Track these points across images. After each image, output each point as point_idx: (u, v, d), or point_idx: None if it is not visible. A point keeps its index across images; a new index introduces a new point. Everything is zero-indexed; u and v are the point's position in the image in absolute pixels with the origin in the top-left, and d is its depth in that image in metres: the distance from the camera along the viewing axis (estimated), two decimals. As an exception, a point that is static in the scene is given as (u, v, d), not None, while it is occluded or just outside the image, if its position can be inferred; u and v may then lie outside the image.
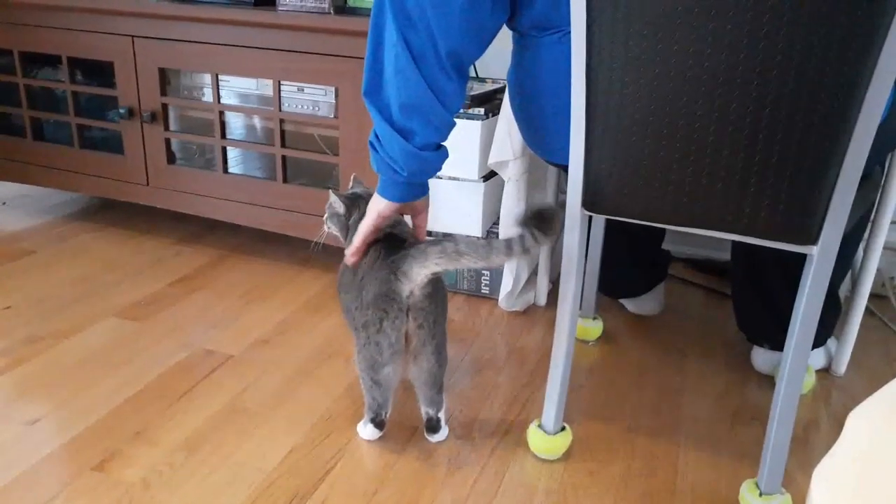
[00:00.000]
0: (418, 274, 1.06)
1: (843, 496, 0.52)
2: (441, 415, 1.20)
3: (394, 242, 1.14)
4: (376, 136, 1.10)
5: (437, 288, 1.10)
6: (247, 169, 1.97)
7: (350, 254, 1.17)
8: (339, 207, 1.24)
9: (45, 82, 2.01)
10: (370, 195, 1.25)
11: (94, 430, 1.20)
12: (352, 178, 1.33)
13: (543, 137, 1.24)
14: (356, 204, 1.25)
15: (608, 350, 1.53)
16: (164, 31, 1.75)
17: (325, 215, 1.29)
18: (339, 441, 1.20)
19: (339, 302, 1.25)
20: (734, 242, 1.38)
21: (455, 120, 1.13)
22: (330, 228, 1.29)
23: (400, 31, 1.03)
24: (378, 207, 1.14)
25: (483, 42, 1.10)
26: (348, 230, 1.25)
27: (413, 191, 1.14)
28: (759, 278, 1.37)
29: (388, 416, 1.20)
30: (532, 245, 1.02)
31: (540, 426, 1.18)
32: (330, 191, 1.26)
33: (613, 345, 1.55)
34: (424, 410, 1.19)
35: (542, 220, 1.01)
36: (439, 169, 1.15)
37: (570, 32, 0.96)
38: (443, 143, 1.14)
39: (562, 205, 1.10)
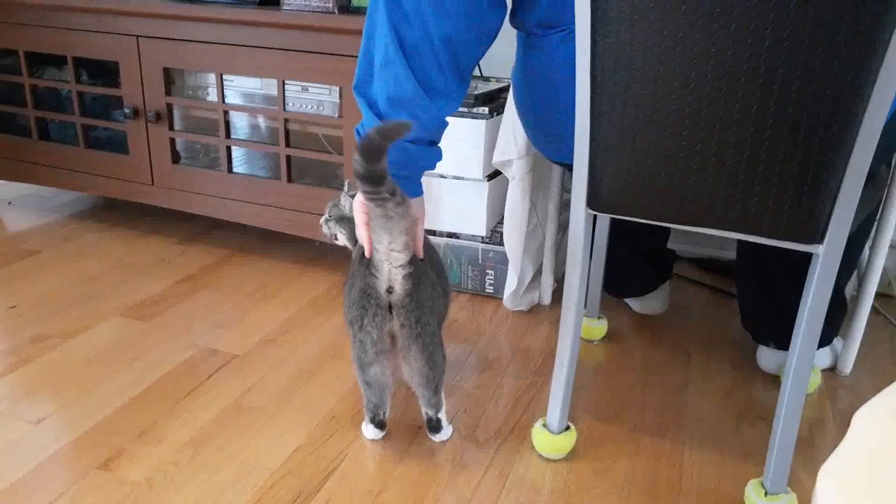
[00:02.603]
0: (381, 262, 1.05)
1: (850, 496, 0.52)
2: (441, 415, 1.20)
3: None
4: (362, 126, 1.11)
5: (420, 285, 1.08)
6: (251, 168, 1.97)
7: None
8: (350, 210, 1.23)
9: (50, 82, 2.02)
10: None
11: (99, 429, 1.20)
12: (346, 183, 1.30)
13: (548, 136, 1.24)
14: None
15: (613, 349, 1.53)
16: (169, 30, 1.76)
17: (326, 217, 1.27)
18: (344, 440, 1.20)
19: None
20: (739, 241, 1.38)
21: (447, 120, 1.12)
22: (331, 230, 1.27)
23: (392, 25, 1.03)
24: (361, 198, 1.11)
25: (480, 35, 1.09)
26: None
27: (399, 184, 1.12)
28: (765, 277, 1.37)
29: (387, 416, 1.20)
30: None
31: (545, 425, 1.18)
32: (343, 190, 1.25)
33: (618, 344, 1.55)
34: (424, 411, 1.19)
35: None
36: (429, 167, 1.14)
37: (574, 31, 0.96)
38: (435, 142, 1.13)
39: (566, 204, 1.09)
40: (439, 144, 1.15)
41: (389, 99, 1.06)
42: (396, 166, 1.09)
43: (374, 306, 1.06)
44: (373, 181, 0.96)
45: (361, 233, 1.12)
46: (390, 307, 1.07)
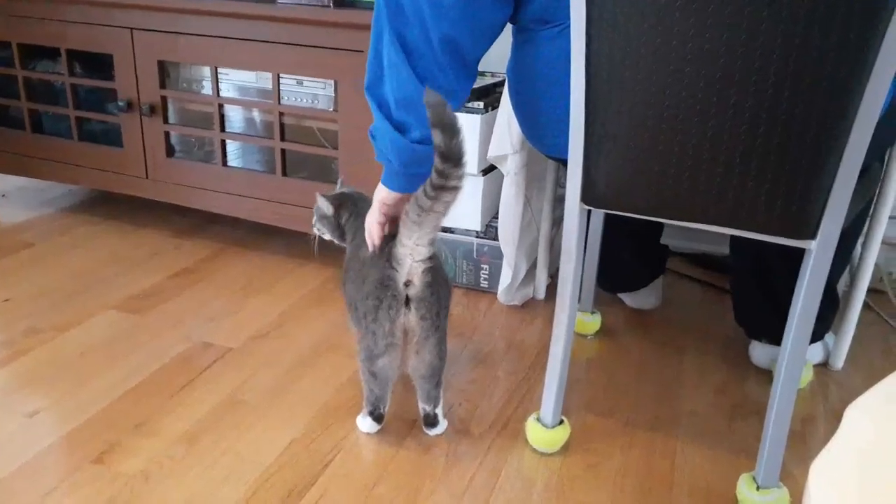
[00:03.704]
0: (405, 256, 1.05)
1: (841, 490, 0.52)
2: (438, 410, 1.20)
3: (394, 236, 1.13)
4: (375, 128, 1.12)
5: (438, 279, 1.10)
6: (246, 162, 1.97)
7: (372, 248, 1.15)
8: (328, 209, 1.25)
9: (44, 75, 2.01)
10: (358, 194, 1.26)
11: (94, 423, 1.20)
12: (339, 181, 1.32)
13: (543, 131, 1.24)
14: (344, 204, 1.26)
15: (606, 344, 1.53)
16: (164, 23, 1.75)
17: (314, 218, 1.29)
18: (338, 434, 1.20)
19: (343, 295, 1.25)
20: (733, 237, 1.38)
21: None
22: (320, 231, 1.29)
23: (392, 27, 1.04)
24: (380, 196, 1.14)
25: (482, 32, 1.09)
26: (342, 231, 1.26)
27: (414, 182, 1.12)
28: (758, 273, 1.37)
29: (386, 409, 1.20)
30: (441, 142, 0.95)
31: (538, 419, 1.19)
32: (317, 193, 1.26)
33: (612, 339, 1.56)
34: (422, 407, 1.19)
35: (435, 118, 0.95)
36: None
37: (569, 27, 0.96)
38: None
39: (560, 199, 1.09)
40: None
41: (397, 100, 1.07)
42: (408, 165, 1.10)
43: (390, 297, 1.07)
44: (455, 159, 0.97)
45: (374, 230, 1.13)
46: (406, 300, 1.07)
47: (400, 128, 1.08)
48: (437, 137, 0.95)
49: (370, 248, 1.13)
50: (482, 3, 1.05)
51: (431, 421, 1.20)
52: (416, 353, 1.12)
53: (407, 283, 1.07)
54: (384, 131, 1.09)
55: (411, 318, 1.08)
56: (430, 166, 1.13)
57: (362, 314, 1.11)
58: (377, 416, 1.19)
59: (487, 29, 1.09)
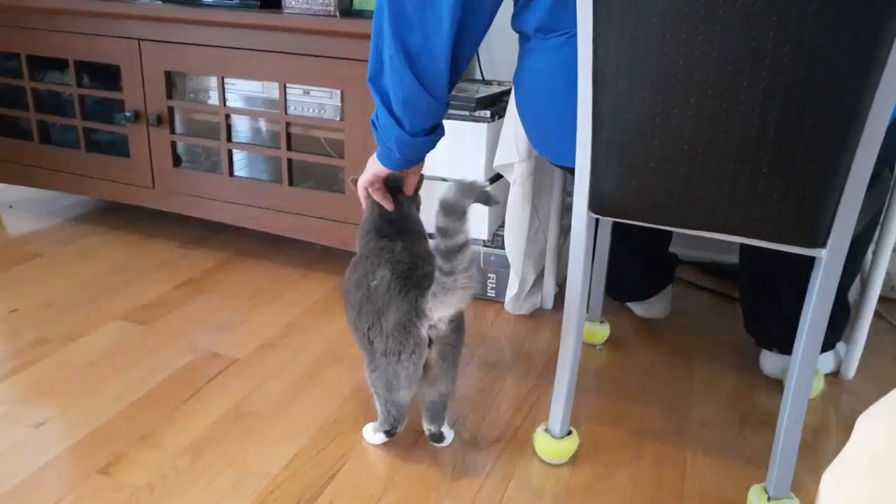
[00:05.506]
0: (431, 311, 1.04)
1: (854, 500, 0.52)
2: (444, 428, 1.20)
3: (406, 266, 1.11)
4: (377, 118, 1.18)
5: (461, 319, 1.10)
6: (252, 172, 1.97)
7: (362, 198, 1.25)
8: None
9: (52, 86, 2.02)
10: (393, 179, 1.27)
11: (99, 433, 1.20)
12: None
13: (549, 140, 1.24)
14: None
15: (615, 354, 1.52)
16: (171, 34, 1.76)
17: None
18: (345, 445, 1.19)
19: (345, 311, 1.24)
20: (742, 245, 1.37)
21: (448, 102, 1.18)
22: None
23: (396, 33, 1.08)
24: (375, 170, 1.21)
25: (476, 39, 1.14)
26: None
27: (409, 164, 1.21)
28: (768, 281, 1.36)
29: (402, 428, 1.19)
30: (445, 224, 0.97)
31: (546, 430, 1.18)
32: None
33: (620, 348, 1.55)
34: (427, 428, 1.19)
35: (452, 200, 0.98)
36: (434, 146, 1.21)
37: (575, 35, 0.96)
38: (438, 124, 1.20)
39: (568, 208, 1.09)
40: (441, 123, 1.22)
41: (398, 100, 1.12)
42: (410, 156, 1.19)
43: (412, 344, 1.05)
44: (445, 234, 0.98)
45: (363, 194, 1.24)
46: (430, 341, 1.06)
47: (399, 122, 1.15)
48: (440, 216, 0.98)
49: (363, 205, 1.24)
50: (476, 11, 1.08)
51: (437, 438, 1.20)
52: (430, 384, 1.11)
53: (431, 327, 1.06)
54: (389, 126, 1.15)
55: (432, 356, 1.08)
56: (429, 151, 1.22)
57: (381, 351, 1.08)
58: (391, 434, 1.19)
59: (482, 33, 1.14)
